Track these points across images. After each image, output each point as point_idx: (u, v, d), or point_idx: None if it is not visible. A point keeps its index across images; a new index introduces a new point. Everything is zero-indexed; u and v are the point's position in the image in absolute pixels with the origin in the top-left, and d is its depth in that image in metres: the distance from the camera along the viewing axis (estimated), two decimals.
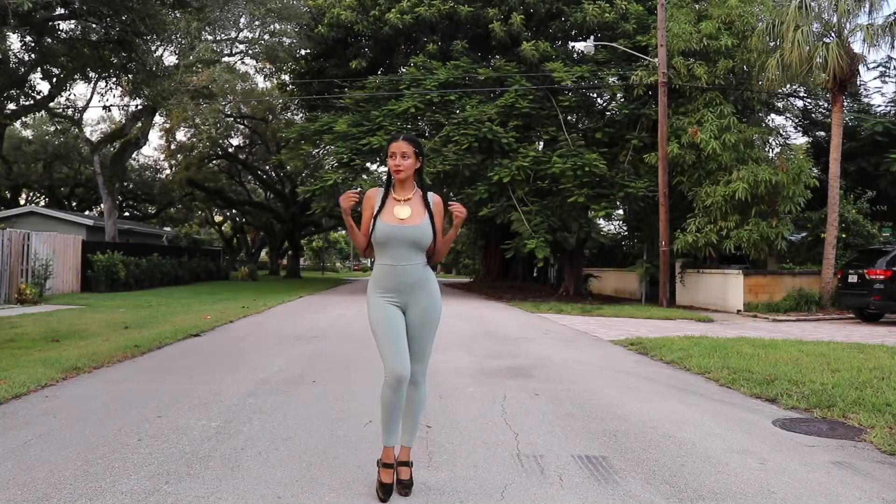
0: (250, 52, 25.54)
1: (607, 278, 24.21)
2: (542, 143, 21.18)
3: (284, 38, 24.46)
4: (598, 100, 22.96)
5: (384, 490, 3.03)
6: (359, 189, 3.12)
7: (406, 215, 3.08)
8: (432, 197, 3.21)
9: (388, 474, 3.08)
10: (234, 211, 48.53)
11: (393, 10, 21.68)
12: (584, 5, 20.48)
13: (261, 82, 34.92)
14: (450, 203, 3.13)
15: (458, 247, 54.56)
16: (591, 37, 20.81)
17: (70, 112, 25.61)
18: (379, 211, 3.12)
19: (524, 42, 20.16)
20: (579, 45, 20.71)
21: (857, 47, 15.40)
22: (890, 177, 18.75)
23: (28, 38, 12.42)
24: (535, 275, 31.07)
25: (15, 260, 15.24)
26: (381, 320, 3.08)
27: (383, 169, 26.19)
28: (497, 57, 21.85)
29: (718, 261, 17.34)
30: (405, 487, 3.07)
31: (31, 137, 36.01)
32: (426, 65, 20.79)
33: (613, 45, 18.92)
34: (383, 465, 3.10)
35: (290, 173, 38.58)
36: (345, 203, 3.06)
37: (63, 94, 20.30)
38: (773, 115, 22.71)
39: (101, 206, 28.03)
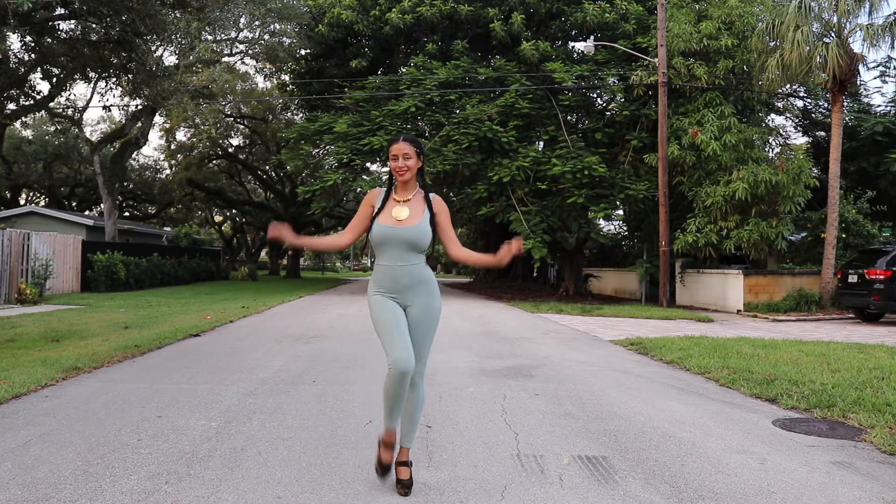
0: (250, 52, 25.56)
1: (607, 278, 24.21)
2: (541, 143, 21.18)
3: (284, 38, 24.48)
4: (598, 100, 22.96)
5: (383, 469, 3.13)
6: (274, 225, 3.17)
7: (404, 216, 3.08)
8: (433, 197, 3.20)
9: (388, 454, 3.14)
10: (234, 211, 48.54)
11: (394, 9, 21.69)
12: (584, 5, 20.49)
13: (261, 82, 35.01)
14: (512, 242, 3.08)
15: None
16: (592, 37, 20.80)
17: (70, 112, 25.63)
18: (379, 212, 3.13)
19: (524, 42, 20.16)
20: (579, 46, 20.72)
21: (857, 47, 15.45)
22: (890, 177, 18.75)
23: (28, 38, 12.42)
24: (535, 275, 31.07)
25: (15, 260, 15.24)
26: (383, 313, 3.09)
27: (384, 169, 26.22)
28: (497, 57, 21.85)
29: (718, 261, 17.33)
30: (405, 487, 3.06)
31: (31, 137, 36.03)
32: (426, 65, 20.79)
33: (614, 45, 18.92)
34: (384, 444, 3.14)
35: (290, 173, 38.60)
36: (281, 238, 3.10)
37: (63, 94, 20.35)
38: (773, 115, 22.71)
39: (101, 206, 28.06)
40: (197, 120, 34.24)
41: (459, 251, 3.26)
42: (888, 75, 21.95)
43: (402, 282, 3.09)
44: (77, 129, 27.45)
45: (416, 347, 3.11)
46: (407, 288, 3.10)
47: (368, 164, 22.35)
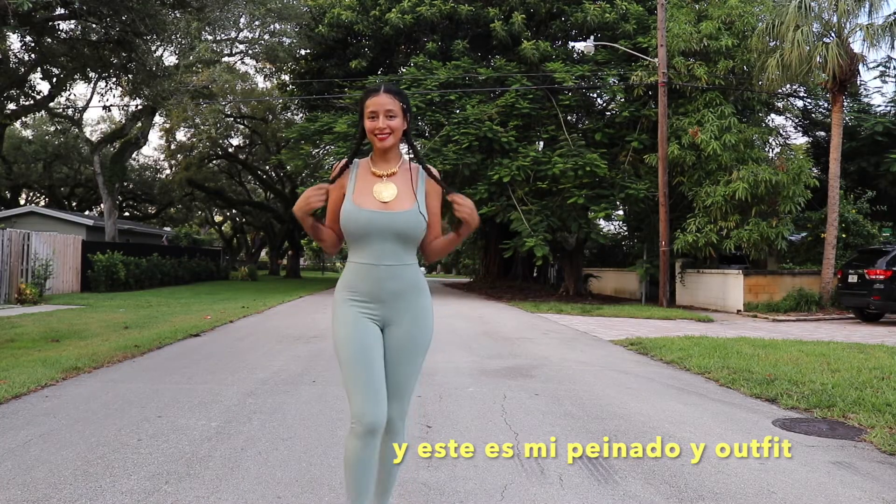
0: (250, 52, 25.56)
1: (607, 278, 24.21)
2: (541, 143, 21.20)
3: (284, 38, 24.48)
4: (598, 100, 22.98)
5: None
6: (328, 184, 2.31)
7: (390, 196, 2.25)
8: (427, 169, 2.37)
9: None
10: (234, 211, 48.55)
11: (394, 9, 21.70)
12: (584, 5, 20.50)
13: (261, 82, 34.99)
14: (451, 195, 2.28)
15: (459, 247, 54.63)
16: (592, 37, 20.81)
17: (70, 112, 25.63)
18: (352, 191, 2.28)
19: (525, 42, 20.17)
20: (579, 46, 20.73)
21: (857, 47, 15.41)
22: (890, 177, 18.74)
23: (28, 38, 12.45)
24: (535, 275, 31.06)
25: (15, 260, 15.24)
26: (350, 341, 2.24)
27: None
28: (497, 57, 21.86)
29: (718, 261, 17.33)
30: None
31: (31, 137, 36.03)
32: (426, 65, 20.79)
33: (614, 45, 18.93)
34: None
35: (290, 173, 38.58)
36: (312, 203, 2.21)
37: (63, 94, 20.36)
38: (773, 115, 22.71)
39: (101, 206, 28.06)
40: (197, 120, 34.22)
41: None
42: (888, 75, 21.94)
43: (388, 287, 2.26)
44: (77, 129, 27.46)
45: (395, 381, 2.30)
46: (393, 297, 2.27)
47: None
